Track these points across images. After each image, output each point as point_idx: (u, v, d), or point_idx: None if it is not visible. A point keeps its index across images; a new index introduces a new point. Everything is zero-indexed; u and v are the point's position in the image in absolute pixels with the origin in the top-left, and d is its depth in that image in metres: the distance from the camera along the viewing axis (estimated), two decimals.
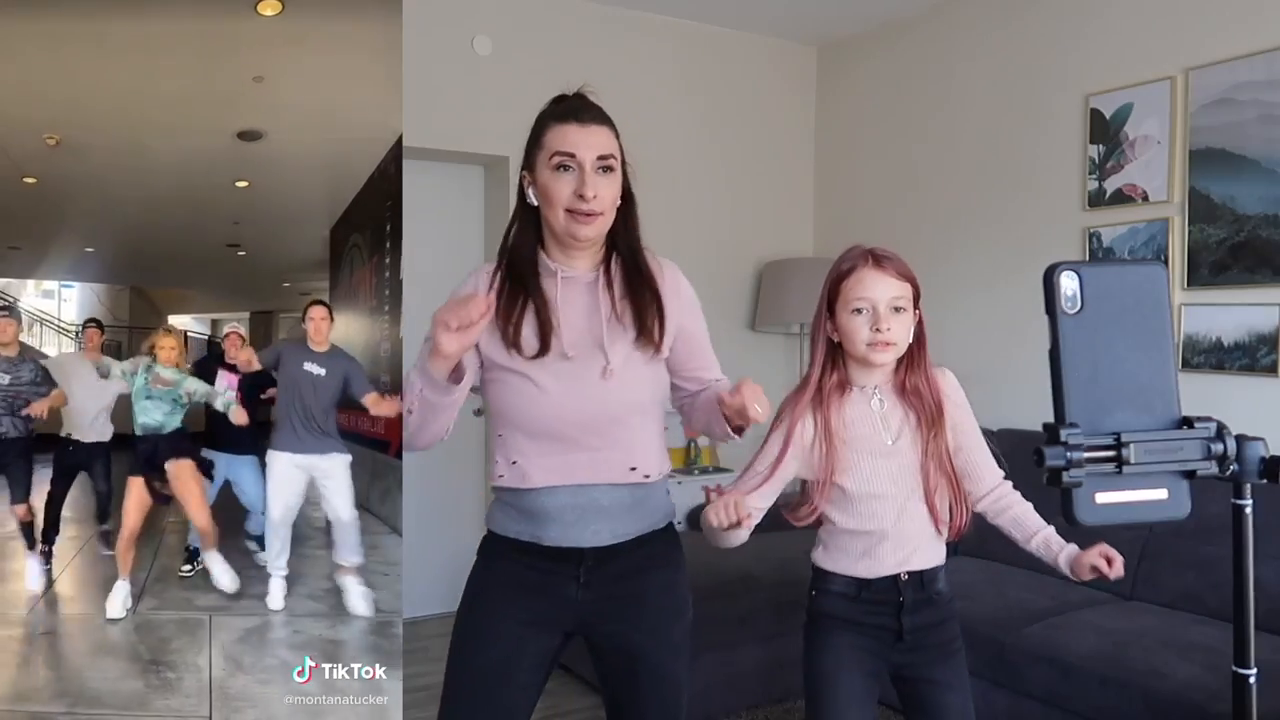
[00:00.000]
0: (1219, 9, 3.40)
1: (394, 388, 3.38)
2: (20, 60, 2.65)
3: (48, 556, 3.23)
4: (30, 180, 3.23)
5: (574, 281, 1.64)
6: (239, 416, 3.04)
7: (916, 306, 1.74)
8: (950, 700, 1.74)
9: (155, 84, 2.83)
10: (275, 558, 3.12)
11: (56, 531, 3.30)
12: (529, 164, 1.63)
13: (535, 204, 1.63)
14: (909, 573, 1.73)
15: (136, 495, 2.99)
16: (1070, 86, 3.89)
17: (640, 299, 1.65)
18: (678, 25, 4.72)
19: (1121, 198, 3.69)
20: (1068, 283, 0.97)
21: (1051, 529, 1.79)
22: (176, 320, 4.33)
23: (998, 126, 4.22)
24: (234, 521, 3.34)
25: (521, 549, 1.64)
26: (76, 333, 3.90)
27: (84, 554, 3.38)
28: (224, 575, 3.06)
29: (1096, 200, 3.78)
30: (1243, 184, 3.32)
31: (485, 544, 1.71)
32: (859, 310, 1.69)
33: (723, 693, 3.25)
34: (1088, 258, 3.78)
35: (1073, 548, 1.75)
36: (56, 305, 4.16)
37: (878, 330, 1.67)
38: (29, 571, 3.11)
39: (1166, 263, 3.48)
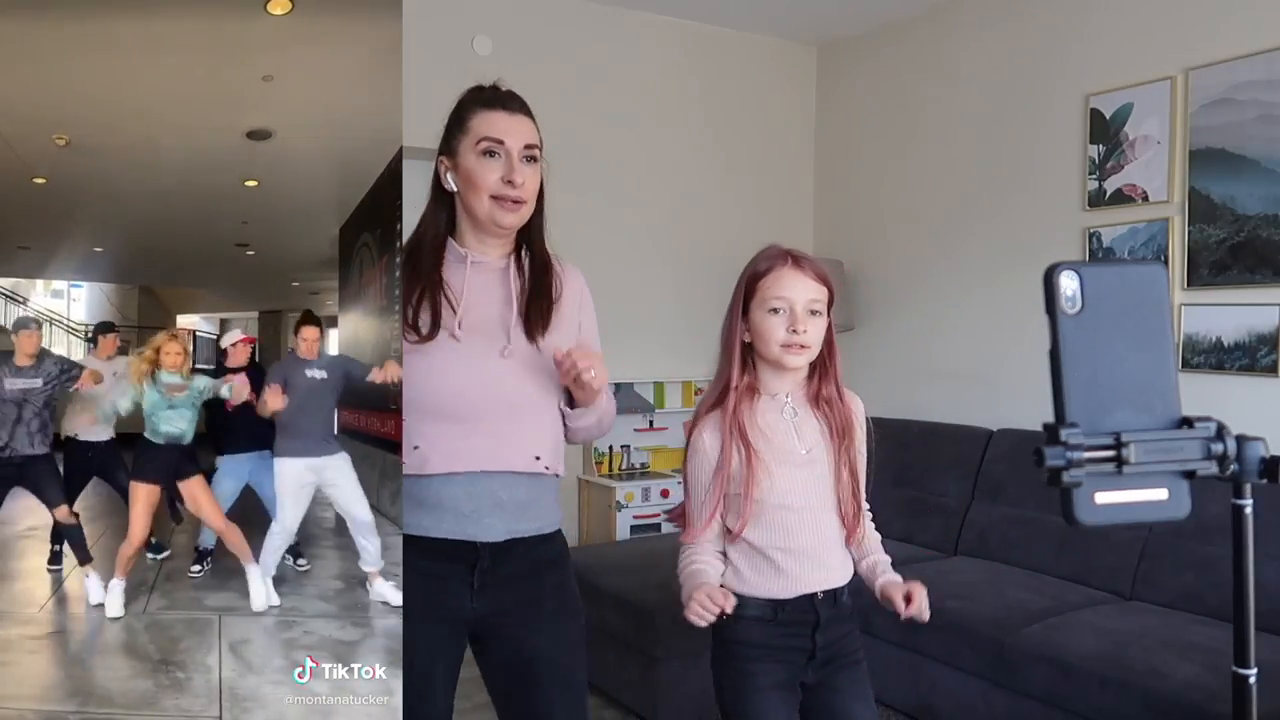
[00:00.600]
0: (1219, 9, 3.41)
1: (403, 388, 3.40)
2: (29, 60, 2.65)
3: (58, 557, 3.24)
4: (39, 180, 3.23)
5: (483, 266, 1.66)
6: (241, 393, 3.05)
7: (829, 313, 1.70)
8: (855, 710, 1.70)
9: (164, 83, 2.83)
10: (269, 565, 3.14)
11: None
12: (448, 149, 1.64)
13: (453, 189, 1.64)
14: (824, 591, 1.68)
15: (146, 502, 2.96)
16: (1070, 86, 3.90)
17: (540, 296, 1.67)
18: (678, 25, 4.73)
19: (1121, 198, 3.71)
20: (1068, 283, 0.97)
21: (884, 559, 1.76)
22: (185, 320, 4.34)
23: (998, 126, 4.23)
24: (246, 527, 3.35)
25: (421, 549, 1.62)
26: (85, 333, 3.90)
27: (94, 553, 3.38)
28: (259, 594, 3.00)
29: (1096, 200, 3.80)
30: (1243, 184, 3.33)
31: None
32: (776, 310, 1.65)
33: None
34: (1088, 258, 3.79)
35: (888, 578, 1.72)
36: (65, 305, 4.16)
37: (794, 331, 1.63)
38: (90, 588, 3.06)
39: (1166, 263, 3.50)
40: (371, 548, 3.16)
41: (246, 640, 2.83)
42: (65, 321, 4.13)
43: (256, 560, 3.06)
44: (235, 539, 3.05)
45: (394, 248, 3.61)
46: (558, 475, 1.70)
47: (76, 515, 3.14)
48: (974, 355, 4.31)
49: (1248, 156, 3.32)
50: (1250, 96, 3.30)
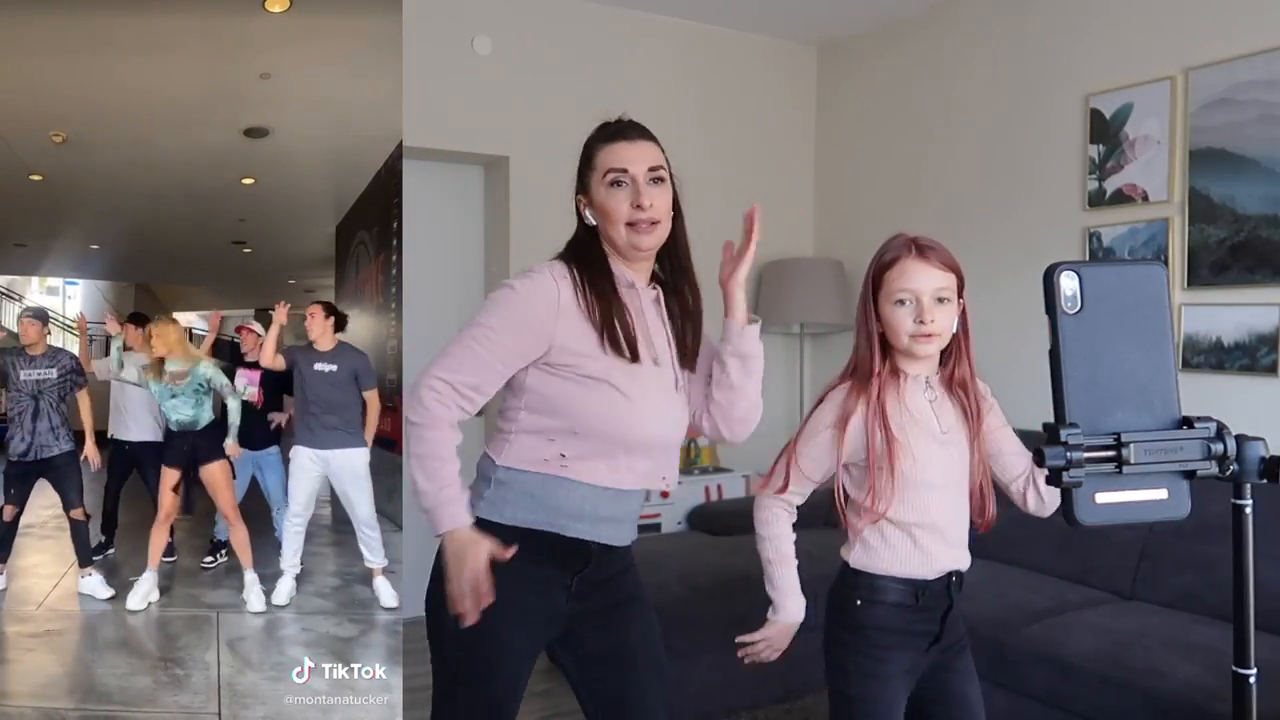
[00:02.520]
0: (1219, 9, 3.40)
1: (399, 386, 3.41)
2: (27, 57, 2.65)
3: (105, 547, 3.26)
4: (36, 177, 3.24)
5: (644, 294, 1.69)
6: (255, 397, 3.11)
7: (960, 296, 1.71)
8: (968, 691, 1.73)
9: (162, 81, 2.83)
10: (291, 555, 3.16)
11: (114, 524, 3.35)
12: (583, 187, 1.69)
13: (593, 224, 1.67)
14: (956, 573, 1.71)
15: (168, 485, 3.06)
16: (1070, 86, 3.90)
17: (690, 320, 1.71)
18: (678, 25, 4.72)
19: (1121, 198, 3.70)
20: (1067, 283, 0.97)
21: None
22: (181, 317, 4.35)
23: (998, 126, 4.22)
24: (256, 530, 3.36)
25: (530, 547, 1.60)
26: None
27: (115, 540, 3.39)
28: (257, 598, 3.05)
29: (1096, 200, 3.79)
30: (1243, 184, 3.33)
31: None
32: (902, 301, 1.67)
33: (723, 693, 3.25)
34: (1088, 258, 3.79)
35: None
36: (61, 302, 4.16)
37: (921, 322, 1.65)
38: (93, 585, 3.07)
39: (1166, 263, 3.49)
40: (375, 543, 3.18)
41: (244, 637, 2.84)
42: (60, 319, 4.13)
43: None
44: (241, 537, 3.10)
45: (391, 245, 3.61)
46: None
47: (88, 516, 3.17)
48: (975, 355, 4.31)
49: (1248, 156, 3.31)
50: (1250, 96, 3.29)
